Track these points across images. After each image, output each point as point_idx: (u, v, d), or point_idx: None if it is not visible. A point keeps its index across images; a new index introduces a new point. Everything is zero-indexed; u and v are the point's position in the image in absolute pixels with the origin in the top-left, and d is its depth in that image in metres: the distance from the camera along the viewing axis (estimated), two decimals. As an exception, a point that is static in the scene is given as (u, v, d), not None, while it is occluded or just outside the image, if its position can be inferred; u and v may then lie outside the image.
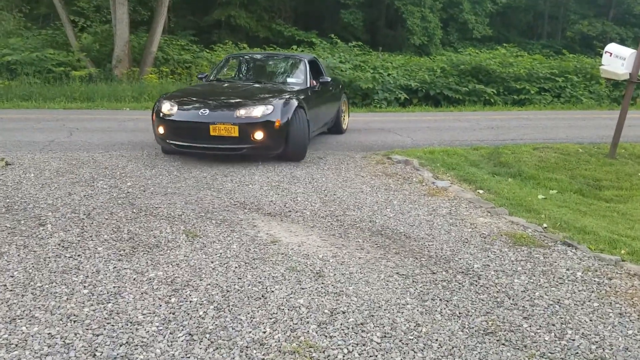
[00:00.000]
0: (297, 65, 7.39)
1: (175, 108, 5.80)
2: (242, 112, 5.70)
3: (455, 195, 4.97)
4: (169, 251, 3.35)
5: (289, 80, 7.14)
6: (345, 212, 4.38)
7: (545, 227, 4.14)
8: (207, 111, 5.72)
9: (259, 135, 5.67)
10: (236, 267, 3.14)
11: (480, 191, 5.22)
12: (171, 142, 5.78)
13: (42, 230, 3.59)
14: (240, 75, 7.89)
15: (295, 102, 5.99)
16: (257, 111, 5.74)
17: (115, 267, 3.07)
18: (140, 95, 13.11)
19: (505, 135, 8.71)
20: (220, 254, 3.34)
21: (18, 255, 3.16)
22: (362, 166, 6.01)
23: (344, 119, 8.39)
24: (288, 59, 7.96)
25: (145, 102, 12.78)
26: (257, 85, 6.96)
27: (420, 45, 21.64)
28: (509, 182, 5.82)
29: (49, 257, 3.15)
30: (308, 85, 6.92)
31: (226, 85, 7.12)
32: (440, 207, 4.61)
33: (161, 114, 5.81)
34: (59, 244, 3.35)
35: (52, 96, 12.45)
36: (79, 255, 3.20)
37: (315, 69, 7.56)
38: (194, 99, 6.11)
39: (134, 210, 4.13)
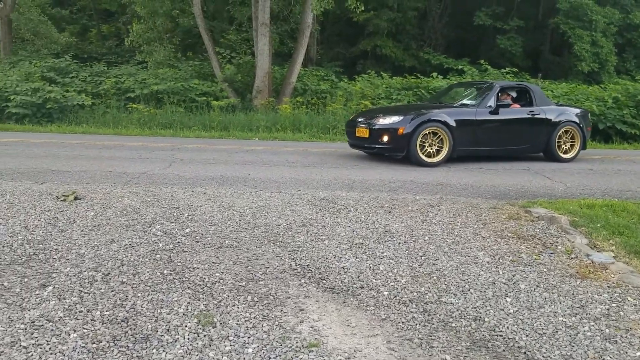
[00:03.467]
0: (476, 90, 8.63)
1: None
2: (378, 120, 7.71)
3: (620, 280, 3.29)
4: (157, 349, 2.36)
5: (464, 102, 8.39)
6: (441, 297, 3.03)
7: None
8: (362, 119, 8.07)
9: (385, 138, 7.55)
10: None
11: (667, 277, 3.45)
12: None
13: (36, 294, 2.86)
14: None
15: (424, 117, 7.48)
16: (387, 120, 7.64)
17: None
18: (273, 125, 12.85)
19: None
20: (222, 363, 2.27)
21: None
22: (486, 221, 4.52)
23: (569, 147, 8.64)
24: (474, 85, 9.19)
25: (276, 132, 12.46)
26: (430, 104, 8.87)
27: (590, 72, 18.73)
28: None
29: (6, 343, 2.36)
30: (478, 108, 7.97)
31: (413, 104, 9.11)
32: (593, 301, 3.01)
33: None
34: (33, 322, 2.55)
35: (191, 125, 12.75)
36: (39, 345, 2.36)
37: (519, 96, 8.62)
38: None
39: (165, 272, 3.26)
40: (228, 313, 2.74)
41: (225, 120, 13.05)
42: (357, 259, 3.58)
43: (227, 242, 3.85)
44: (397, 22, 21.16)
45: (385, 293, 3.08)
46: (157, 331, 2.52)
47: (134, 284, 3.08)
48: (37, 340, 2.36)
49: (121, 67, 16.21)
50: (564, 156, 8.49)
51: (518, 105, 8.47)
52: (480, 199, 5.38)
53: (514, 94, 8.69)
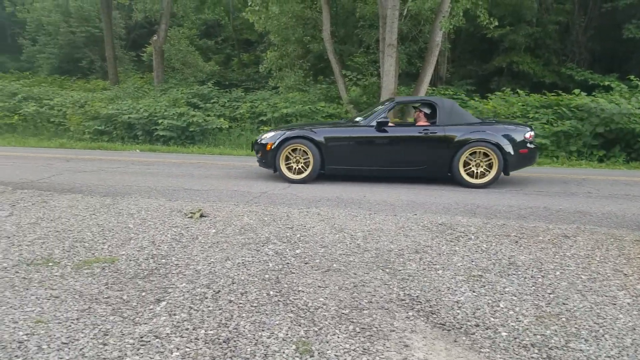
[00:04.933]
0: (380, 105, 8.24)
1: None
2: (262, 135, 8.03)
3: None
4: (250, 374, 2.32)
5: (357, 118, 8.16)
6: (569, 342, 2.63)
7: None
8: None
9: (260, 153, 7.80)
10: None
11: None
12: None
13: (150, 309, 3.01)
14: None
15: (290, 134, 7.56)
16: (266, 135, 7.86)
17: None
18: (396, 146, 12.62)
19: None
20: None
21: (90, 342, 2.59)
22: (629, 256, 3.90)
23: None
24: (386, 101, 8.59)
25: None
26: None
27: None
28: None
29: (113, 357, 2.48)
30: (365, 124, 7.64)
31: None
32: None
33: None
34: (142, 337, 2.66)
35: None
36: None
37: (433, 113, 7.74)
38: None
39: (271, 293, 3.25)
40: (327, 342, 2.63)
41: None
42: (474, 293, 3.27)
43: (335, 265, 3.75)
44: (535, 36, 19.88)
45: (504, 334, 2.75)
46: (255, 356, 2.49)
47: (240, 303, 3.11)
48: (141, 357, 2.44)
49: (256, 92, 17.18)
50: (473, 181, 7.24)
51: (426, 122, 7.67)
52: (625, 230, 4.69)
53: (427, 110, 7.83)
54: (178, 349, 2.53)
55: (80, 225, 4.73)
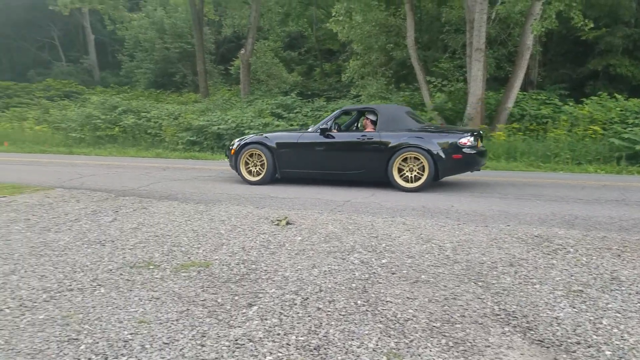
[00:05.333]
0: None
1: None
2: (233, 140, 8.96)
3: None
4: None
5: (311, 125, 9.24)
6: (690, 371, 2.39)
7: None
8: None
9: (228, 157, 8.74)
10: None
11: None
12: None
13: (243, 312, 3.09)
14: None
15: (248, 139, 8.48)
16: (235, 141, 8.86)
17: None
18: (483, 154, 12.22)
19: None
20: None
21: (190, 343, 2.70)
22: None
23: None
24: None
25: (488, 161, 11.84)
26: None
27: None
28: None
29: (210, 359, 2.57)
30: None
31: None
32: None
33: None
34: (236, 340, 2.74)
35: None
36: (238, 360, 2.52)
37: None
38: None
39: (359, 302, 3.24)
40: (419, 355, 2.57)
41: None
42: (575, 309, 3.07)
43: (423, 277, 3.67)
44: (634, 38, 18.49)
45: (608, 353, 2.55)
46: (344, 364, 2.48)
47: (329, 311, 3.12)
48: None
49: (338, 101, 17.35)
50: (407, 185, 7.45)
51: (372, 129, 7.93)
52: None
53: (372, 117, 8.10)
54: (271, 353, 2.58)
55: (177, 231, 4.99)
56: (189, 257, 4.15)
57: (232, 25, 23.25)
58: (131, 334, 2.75)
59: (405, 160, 7.44)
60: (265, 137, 8.34)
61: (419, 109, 15.13)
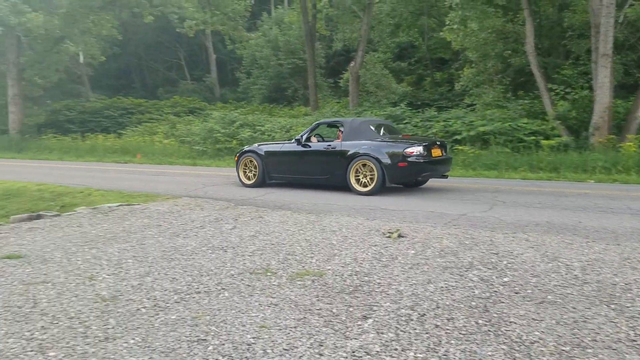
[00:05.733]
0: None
1: None
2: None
3: None
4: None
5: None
6: None
7: None
8: None
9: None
10: None
11: None
12: None
13: (358, 324, 3.09)
14: None
15: (246, 148, 10.10)
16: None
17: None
18: (612, 166, 11.29)
19: None
20: None
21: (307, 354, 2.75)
22: None
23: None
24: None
25: (617, 174, 10.92)
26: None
27: None
28: None
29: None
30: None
31: None
32: None
33: None
34: (354, 352, 2.74)
35: (517, 165, 12.30)
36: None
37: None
38: None
39: (480, 321, 3.10)
40: (547, 383, 2.39)
41: (555, 160, 12.08)
42: None
43: (549, 297, 3.43)
44: None
45: None
46: (466, 386, 2.38)
47: (447, 329, 3.02)
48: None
49: (450, 111, 16.92)
50: (361, 189, 8.38)
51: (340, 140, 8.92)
52: None
53: (342, 129, 9.10)
54: (388, 368, 2.55)
55: (291, 240, 5.14)
56: (303, 266, 4.25)
57: (343, 39, 23.66)
58: (254, 337, 2.86)
59: (364, 166, 8.36)
60: (258, 146, 9.88)
61: (539, 118, 14.29)
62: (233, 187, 9.52)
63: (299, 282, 3.83)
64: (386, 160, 8.15)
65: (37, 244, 5.14)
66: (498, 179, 11.09)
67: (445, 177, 9.18)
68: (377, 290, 3.69)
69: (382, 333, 2.95)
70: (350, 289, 3.72)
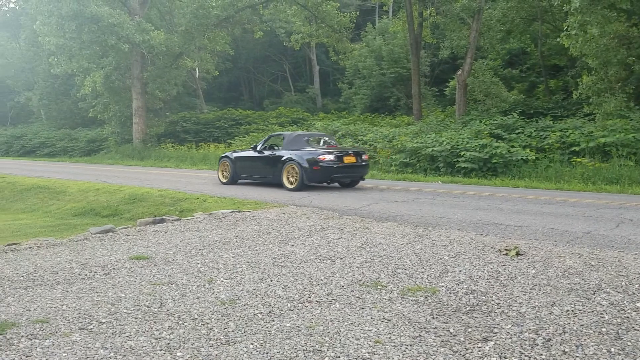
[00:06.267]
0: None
1: None
2: None
3: None
4: None
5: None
6: None
7: None
8: None
9: None
10: None
11: None
12: None
13: (478, 347, 2.94)
14: None
15: (223, 154, 13.17)
16: None
17: None
18: None
19: None
20: None
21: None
22: None
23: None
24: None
25: None
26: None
27: None
28: None
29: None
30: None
31: None
32: None
33: None
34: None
35: (641, 180, 11.19)
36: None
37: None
38: None
39: (612, 350, 2.83)
40: None
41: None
42: None
43: (700, 331, 3.04)
44: None
45: None
46: None
47: (577, 356, 2.79)
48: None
49: (566, 120, 15.81)
50: (289, 186, 10.83)
51: None
52: None
53: (284, 140, 11.88)
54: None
55: (400, 253, 5.05)
56: (414, 281, 4.15)
57: (450, 47, 23.09)
58: (369, 352, 2.82)
59: (293, 168, 10.76)
60: (232, 152, 12.83)
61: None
62: (337, 197, 9.60)
63: (411, 298, 3.74)
64: (305, 164, 10.58)
65: (161, 247, 5.52)
66: (621, 194, 10.15)
67: (363, 179, 11.67)
68: (496, 311, 3.50)
69: (505, 357, 2.78)
70: (467, 308, 3.56)
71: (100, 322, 3.23)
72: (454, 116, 20.73)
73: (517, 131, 15.25)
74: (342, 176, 11.02)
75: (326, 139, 12.47)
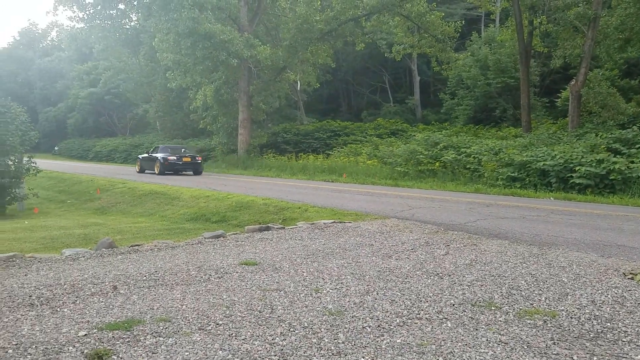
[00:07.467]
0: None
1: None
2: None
3: None
4: None
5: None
6: None
7: None
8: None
9: None
10: None
11: None
12: None
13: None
14: None
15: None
16: None
17: None
18: None
19: None
20: None
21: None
22: None
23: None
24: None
25: None
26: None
27: None
28: None
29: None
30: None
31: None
32: None
33: None
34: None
35: None
36: None
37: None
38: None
39: None
40: None
41: None
42: None
43: None
44: None
45: None
46: None
47: None
48: None
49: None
50: (156, 172, 22.41)
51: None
52: None
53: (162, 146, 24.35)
54: None
55: (513, 273, 4.80)
56: (531, 304, 3.91)
57: (562, 56, 21.76)
58: (486, 377, 2.69)
59: (157, 162, 22.50)
60: (140, 155, 25.02)
61: None
62: (441, 211, 9.35)
63: (528, 321, 3.52)
64: (162, 159, 21.93)
65: (267, 253, 5.70)
66: None
67: (199, 173, 22.44)
68: (624, 340, 3.20)
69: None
70: (591, 335, 3.29)
71: (217, 324, 3.38)
72: (566, 128, 19.48)
73: (637, 145, 13.98)
74: (180, 169, 22.14)
75: (184, 149, 24.32)
